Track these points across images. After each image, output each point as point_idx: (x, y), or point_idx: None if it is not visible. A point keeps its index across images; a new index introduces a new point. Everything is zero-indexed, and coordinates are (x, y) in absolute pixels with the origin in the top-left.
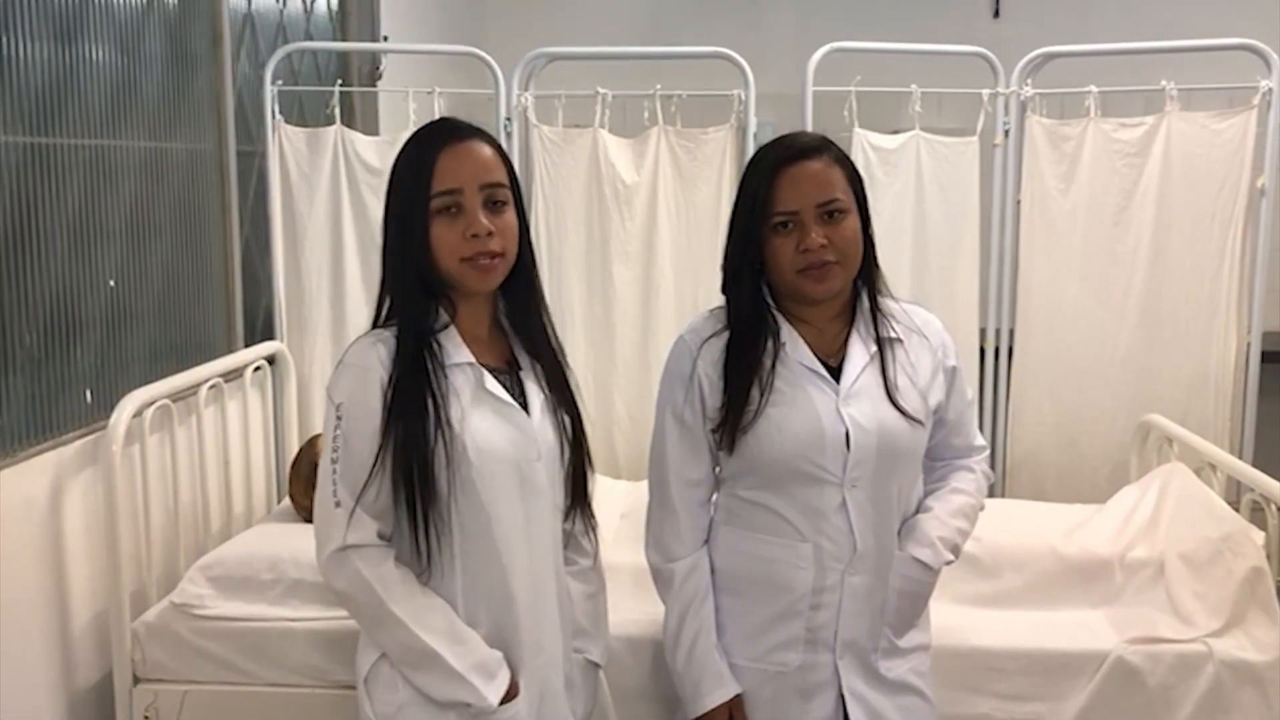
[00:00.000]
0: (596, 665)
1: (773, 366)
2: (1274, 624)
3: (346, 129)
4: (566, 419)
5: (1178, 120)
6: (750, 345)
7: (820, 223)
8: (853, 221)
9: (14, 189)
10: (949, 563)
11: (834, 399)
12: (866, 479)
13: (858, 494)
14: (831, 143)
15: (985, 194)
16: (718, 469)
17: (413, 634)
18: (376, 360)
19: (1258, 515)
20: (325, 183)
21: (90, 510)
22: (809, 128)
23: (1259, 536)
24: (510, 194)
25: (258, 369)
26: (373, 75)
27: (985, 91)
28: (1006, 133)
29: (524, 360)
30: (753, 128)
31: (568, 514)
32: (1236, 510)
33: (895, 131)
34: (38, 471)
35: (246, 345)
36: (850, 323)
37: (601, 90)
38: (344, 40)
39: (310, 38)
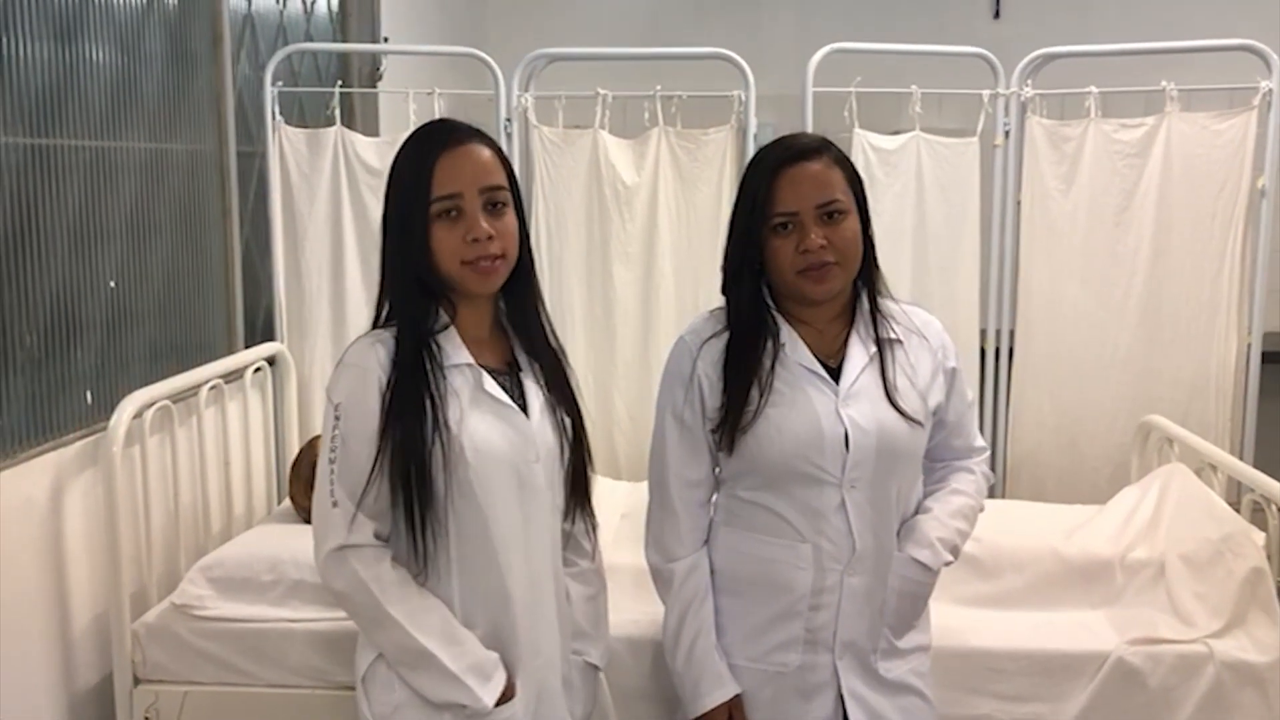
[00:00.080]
0: (596, 668)
1: (772, 367)
2: (1275, 625)
3: (347, 130)
4: (566, 420)
5: (1178, 121)
6: (750, 346)
7: (820, 224)
8: (852, 222)
9: (14, 190)
10: (948, 564)
11: (833, 400)
12: (865, 480)
13: (857, 495)
14: (831, 144)
15: (985, 195)
16: (717, 469)
17: (408, 634)
18: (375, 361)
19: (1258, 516)
20: (325, 183)
21: (90, 511)
22: (809, 129)
23: (1259, 537)
24: (510, 195)
25: (258, 370)
26: (373, 76)
27: (985, 92)
28: (1007, 133)
29: (524, 361)
30: (753, 129)
31: (568, 515)
32: (1237, 511)
33: (895, 132)
34: (38, 472)
35: (247, 346)
36: (850, 324)
37: (602, 91)
38: (344, 41)
39: (310, 39)
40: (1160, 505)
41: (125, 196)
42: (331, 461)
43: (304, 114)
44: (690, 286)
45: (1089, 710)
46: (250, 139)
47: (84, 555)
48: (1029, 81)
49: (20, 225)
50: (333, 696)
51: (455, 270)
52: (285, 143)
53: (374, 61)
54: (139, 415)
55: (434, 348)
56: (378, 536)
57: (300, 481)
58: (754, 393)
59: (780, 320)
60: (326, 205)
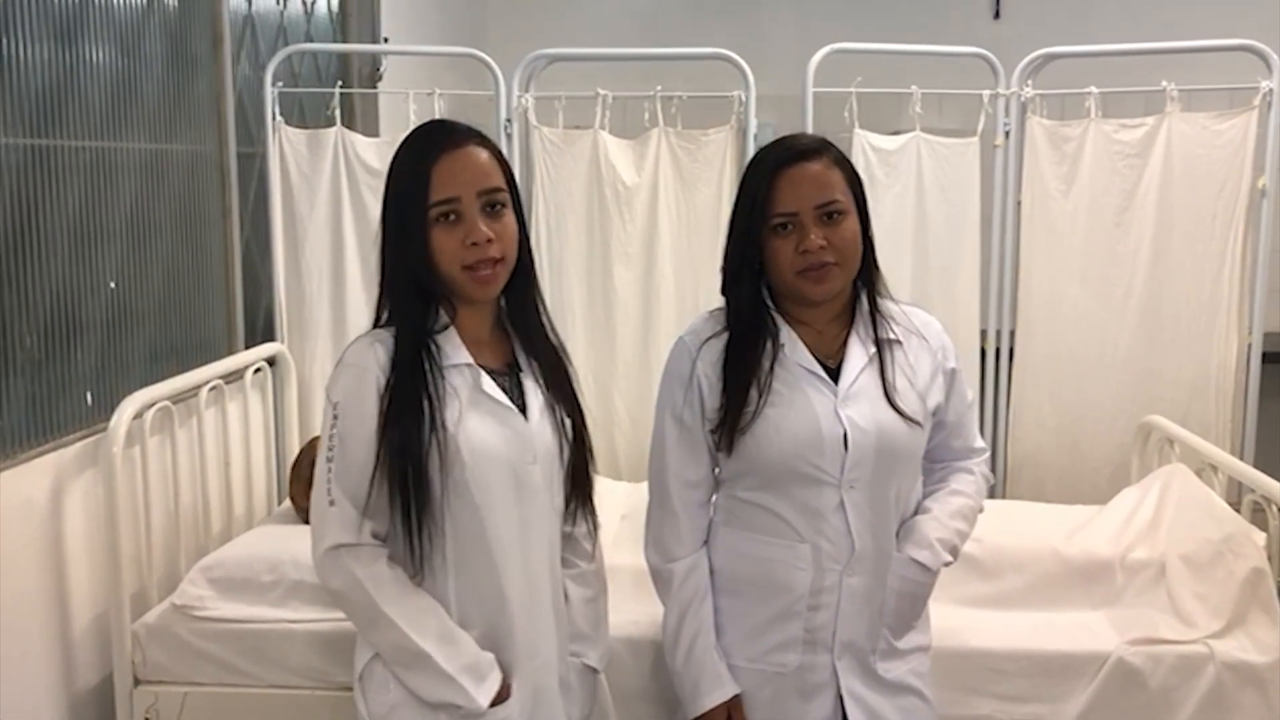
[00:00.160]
0: (594, 670)
1: (771, 368)
2: (1275, 625)
3: (347, 130)
4: (567, 420)
5: (1178, 121)
6: (749, 346)
7: (819, 224)
8: (852, 223)
9: (14, 190)
10: (947, 564)
11: (832, 400)
12: (864, 480)
13: (856, 495)
14: (831, 144)
15: (986, 195)
16: (717, 470)
17: (403, 634)
18: (374, 360)
19: (1259, 516)
20: (326, 184)
21: (91, 512)
22: (809, 129)
23: (1260, 537)
24: (508, 197)
25: (258, 370)
26: (373, 77)
27: (986, 92)
28: (1007, 134)
29: (524, 361)
30: (753, 129)
31: (568, 516)
32: (1237, 511)
33: (896, 133)
34: (38, 473)
35: (247, 347)
36: (849, 324)
37: (602, 92)
38: (344, 42)
39: (311, 39)
40: (1161, 506)
41: (125, 197)
42: (329, 461)
43: (304, 114)
44: (690, 286)
45: (1089, 711)
46: (250, 139)
47: (84, 556)
48: (1029, 81)
49: (20, 226)
50: (333, 697)
51: (456, 274)
52: (285, 143)
53: (374, 62)
54: (139, 416)
55: (433, 348)
56: (375, 536)
57: (300, 482)
58: (753, 393)
59: (780, 321)
60: (327, 206)
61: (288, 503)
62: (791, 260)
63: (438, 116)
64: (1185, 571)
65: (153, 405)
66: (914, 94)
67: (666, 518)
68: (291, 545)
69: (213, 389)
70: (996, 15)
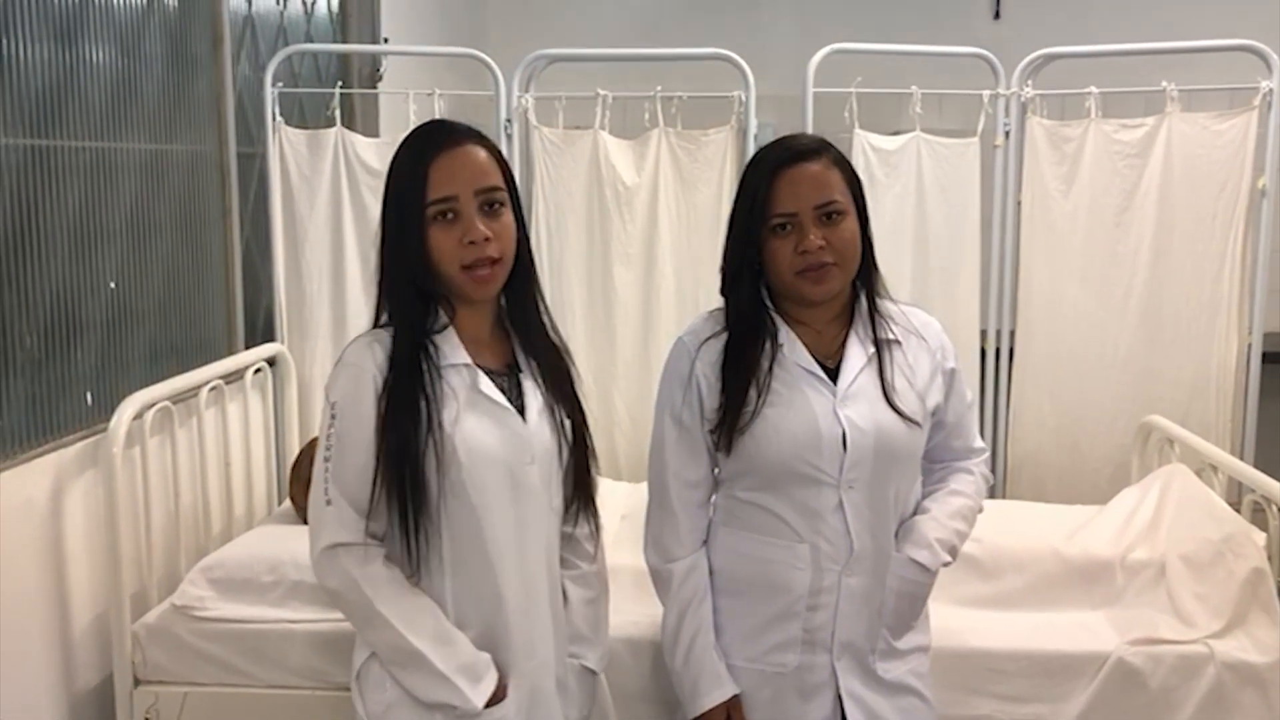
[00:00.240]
0: (592, 672)
1: (770, 368)
2: (1275, 625)
3: (347, 130)
4: (566, 421)
5: (1178, 121)
6: (748, 346)
7: (818, 224)
8: (851, 223)
9: (14, 191)
10: (946, 564)
11: (831, 400)
12: (863, 480)
13: (854, 495)
14: (830, 144)
15: (986, 195)
16: (716, 470)
17: (399, 634)
18: (372, 360)
19: (1259, 516)
20: (326, 184)
21: (91, 512)
22: (809, 129)
23: (1260, 538)
24: (507, 196)
25: (258, 371)
26: (373, 77)
27: (986, 93)
28: (1007, 134)
29: (524, 361)
30: (753, 129)
31: (569, 516)
32: (1238, 511)
33: (896, 133)
34: (38, 473)
35: (247, 347)
36: (849, 324)
37: (602, 92)
38: (344, 42)
39: (311, 39)
40: (1161, 506)
41: (125, 197)
42: (327, 460)
43: (304, 115)
44: (690, 287)
45: (1089, 711)
46: (250, 140)
47: (84, 556)
48: (1029, 82)
49: (20, 226)
50: (332, 697)
51: (454, 274)
52: (285, 143)
53: (374, 62)
54: (139, 416)
55: (430, 348)
56: (373, 536)
57: (301, 482)
58: (752, 393)
59: (779, 321)
60: (327, 206)
61: (288, 503)
62: (791, 260)
63: (438, 117)
64: (1185, 571)
65: (153, 405)
66: (914, 94)
67: (666, 518)
68: (291, 545)
69: (213, 389)
70: (996, 15)
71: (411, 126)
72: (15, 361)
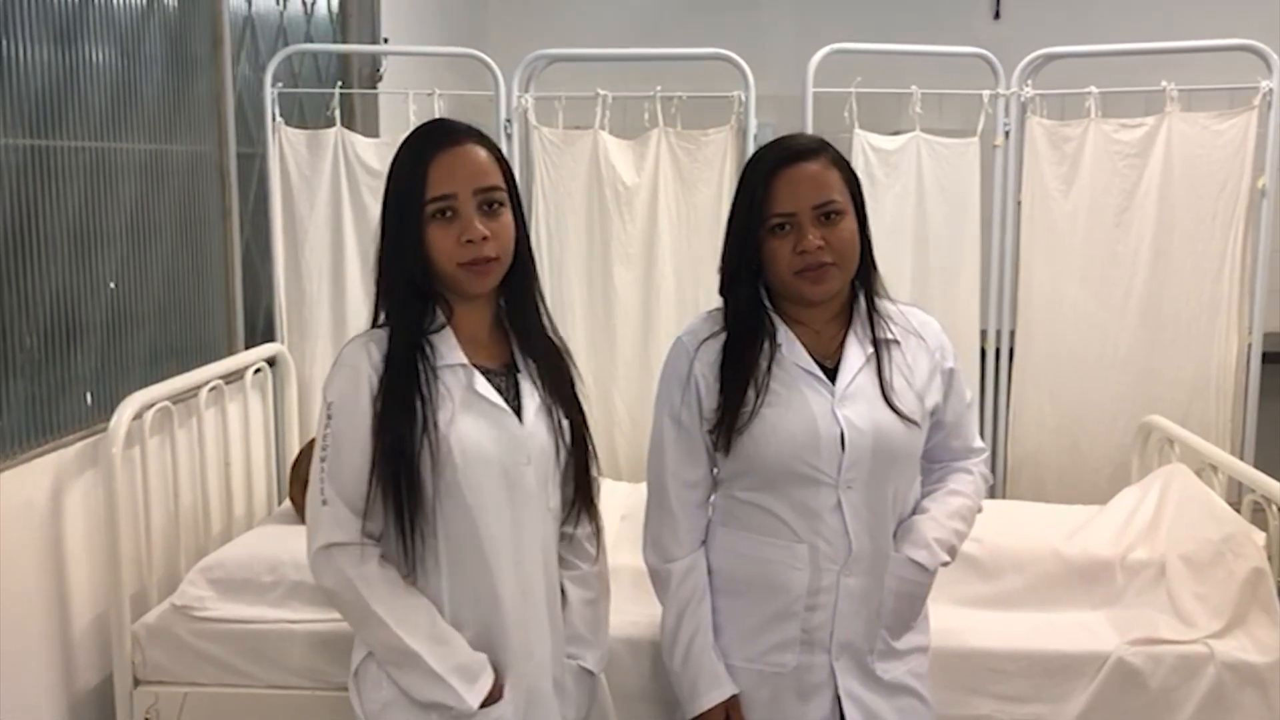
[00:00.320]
0: (591, 673)
1: (769, 368)
2: (1275, 625)
3: (347, 131)
4: (564, 422)
5: (1178, 121)
6: (747, 346)
7: (817, 224)
8: (850, 223)
9: (14, 191)
10: (945, 564)
11: (829, 400)
12: (862, 480)
13: (853, 495)
14: (828, 144)
15: (986, 195)
16: (715, 470)
17: (394, 634)
18: (368, 360)
19: (1259, 516)
20: (326, 185)
21: (91, 512)
22: (809, 129)
23: (1260, 537)
24: (506, 196)
25: (258, 371)
26: (373, 77)
27: (986, 92)
28: (1007, 134)
29: (522, 361)
30: (753, 129)
31: (569, 518)
32: (1238, 511)
33: (896, 133)
34: (38, 473)
35: (247, 347)
36: (847, 324)
37: (602, 92)
38: (344, 42)
39: (310, 40)
40: (1161, 506)
41: (125, 198)
42: (323, 460)
43: (304, 115)
44: (690, 287)
45: (1089, 711)
46: (250, 140)
47: (84, 556)
48: (1029, 82)
49: (20, 226)
50: (332, 698)
51: (451, 271)
52: (285, 144)
53: (374, 62)
54: (139, 416)
55: (427, 348)
56: (369, 535)
57: (300, 482)
58: (750, 393)
59: (777, 321)
60: (327, 206)
61: (288, 503)
62: (789, 260)
63: (438, 117)
64: (1185, 571)
65: (152, 406)
66: (914, 94)
67: (665, 518)
68: (291, 546)
69: (212, 389)
70: (996, 15)
71: (411, 127)
72: (15, 362)
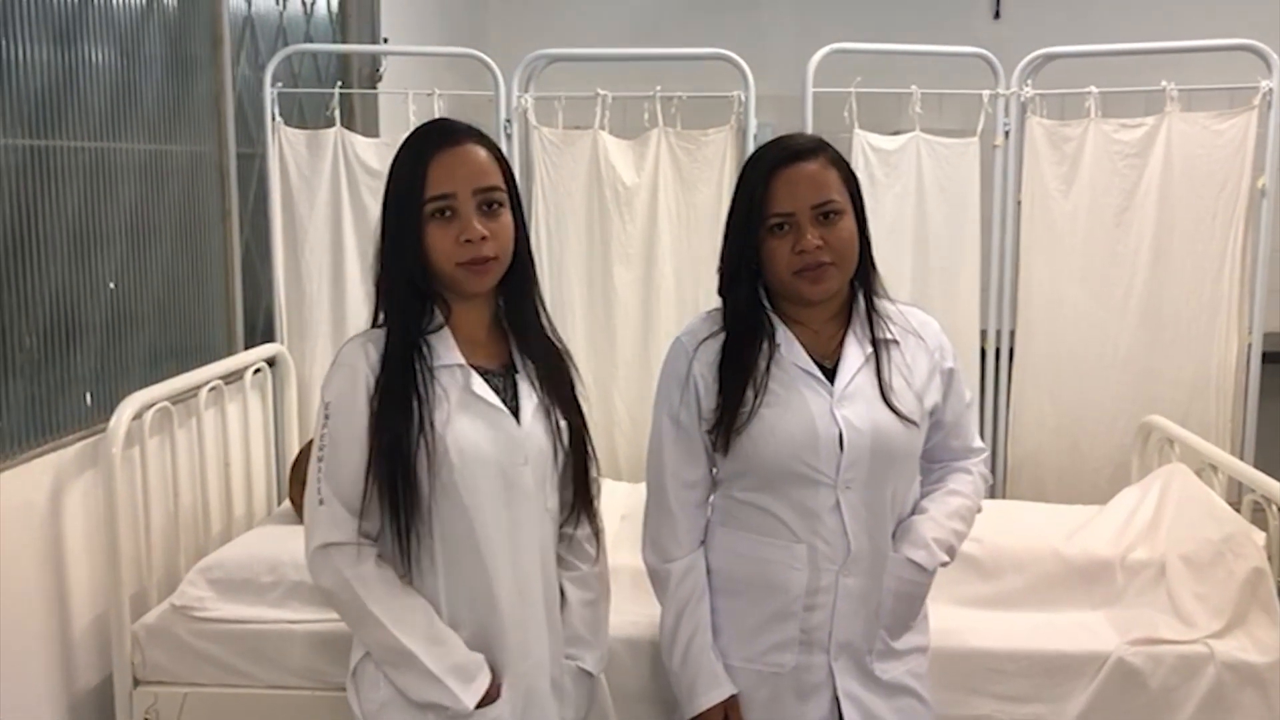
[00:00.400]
0: (590, 674)
1: (767, 368)
2: (1275, 625)
3: (346, 131)
4: (563, 422)
5: (1178, 121)
6: (745, 346)
7: (816, 224)
8: (849, 223)
9: (14, 192)
10: (944, 564)
11: (828, 400)
12: (860, 480)
13: (851, 495)
14: (827, 144)
15: (986, 195)
16: (715, 470)
17: (390, 634)
18: (365, 360)
19: (1259, 516)
20: (325, 185)
21: (90, 512)
22: (809, 129)
23: (1260, 537)
24: (506, 196)
25: (258, 371)
26: (373, 77)
27: (985, 92)
28: (1007, 134)
29: (521, 362)
30: (753, 129)
31: (568, 519)
32: (1238, 511)
33: (896, 133)
34: (38, 474)
35: (247, 347)
36: (846, 324)
37: (601, 92)
38: (344, 42)
39: (310, 40)
40: (1161, 506)
41: (125, 198)
42: (320, 460)
43: (304, 115)
44: (690, 287)
45: (1089, 711)
46: (250, 140)
47: (84, 556)
48: (1029, 81)
49: (20, 227)
50: (332, 698)
51: (450, 270)
52: (285, 144)
53: (374, 62)
54: (139, 416)
55: (424, 348)
56: (366, 535)
57: (300, 483)
58: (749, 393)
59: (776, 321)
60: (326, 206)
61: (287, 503)
62: (788, 260)
63: (438, 117)
64: (1185, 571)
65: (152, 406)
66: (914, 94)
67: (664, 518)
68: (291, 546)
69: (212, 389)
70: (996, 15)
71: (411, 127)
72: (15, 362)
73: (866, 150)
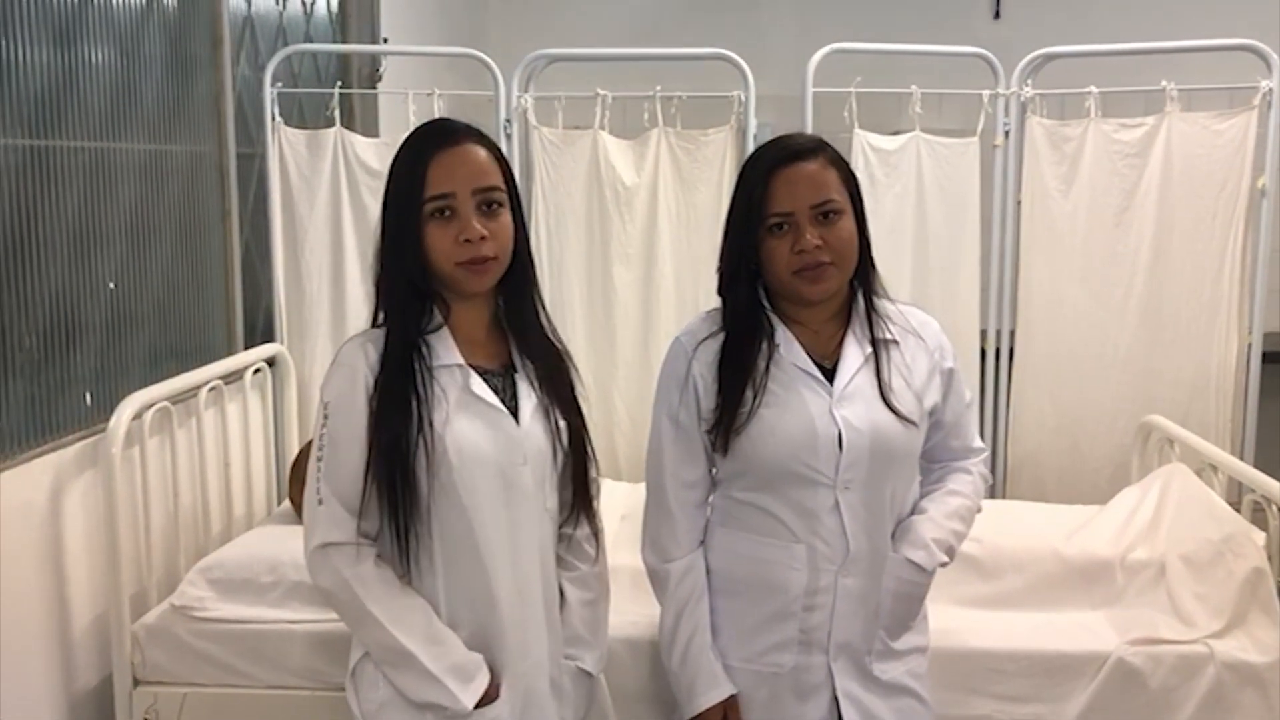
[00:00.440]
0: (589, 675)
1: (767, 368)
2: (1275, 625)
3: (346, 131)
4: (562, 423)
5: (1178, 121)
6: (745, 347)
7: (815, 224)
8: (848, 223)
9: (14, 192)
10: (943, 565)
11: (827, 400)
12: (860, 480)
13: (850, 495)
14: (826, 144)
15: (986, 195)
16: (714, 470)
17: (389, 633)
18: (364, 360)
19: (1259, 516)
20: (325, 185)
21: (90, 512)
22: (809, 129)
23: (1260, 537)
24: (505, 196)
25: (257, 371)
26: (373, 77)
27: (985, 92)
28: (1007, 134)
29: (520, 362)
30: (753, 129)
31: (568, 519)
32: (1238, 511)
33: (895, 133)
34: (38, 474)
35: (246, 347)
36: (846, 324)
37: (601, 92)
38: (344, 42)
39: (310, 40)
40: (1161, 506)
41: (125, 198)
42: (319, 460)
43: (303, 115)
44: (690, 287)
45: (1089, 711)
46: (250, 140)
47: (84, 556)
48: (1029, 81)
49: (20, 227)
50: (332, 698)
51: (449, 270)
52: (285, 144)
53: (373, 62)
54: (138, 416)
55: (423, 348)
56: (365, 535)
57: (300, 482)
58: (748, 393)
59: (776, 321)
60: (326, 206)
61: (287, 503)
62: (787, 260)
63: (438, 116)
64: (1185, 571)
65: (152, 406)
66: (914, 94)
67: (663, 518)
68: (291, 546)
69: (212, 389)
70: (996, 15)
71: (411, 127)
72: (15, 362)
73: (866, 150)
